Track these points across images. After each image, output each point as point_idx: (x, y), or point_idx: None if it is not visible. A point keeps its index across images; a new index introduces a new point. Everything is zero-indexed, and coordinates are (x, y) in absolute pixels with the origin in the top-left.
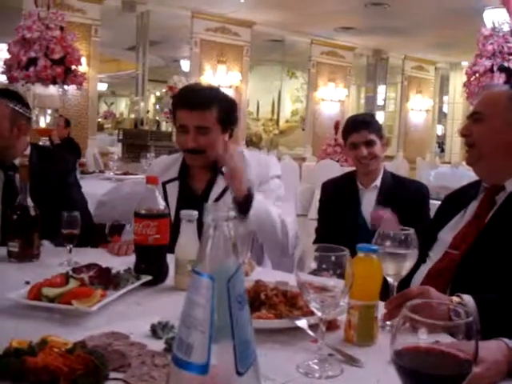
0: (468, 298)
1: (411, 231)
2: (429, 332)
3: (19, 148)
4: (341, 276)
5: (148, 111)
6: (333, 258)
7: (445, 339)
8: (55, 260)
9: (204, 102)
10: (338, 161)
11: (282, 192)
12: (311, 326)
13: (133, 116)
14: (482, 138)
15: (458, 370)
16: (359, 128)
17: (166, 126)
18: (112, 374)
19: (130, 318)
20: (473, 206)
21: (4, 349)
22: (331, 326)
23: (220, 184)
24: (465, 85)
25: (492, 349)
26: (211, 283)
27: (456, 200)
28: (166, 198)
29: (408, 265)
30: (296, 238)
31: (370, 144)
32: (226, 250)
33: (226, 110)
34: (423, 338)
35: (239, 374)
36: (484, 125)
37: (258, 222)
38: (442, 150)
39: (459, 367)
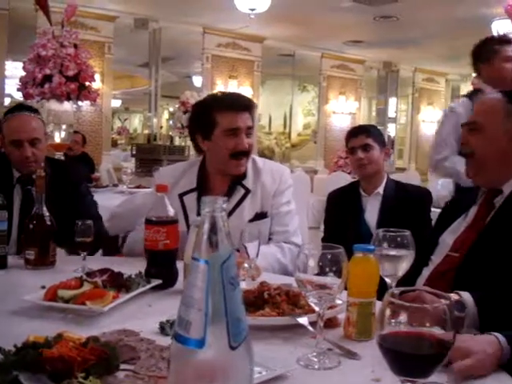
0: (466, 295)
1: (407, 233)
2: (411, 317)
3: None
4: (337, 272)
5: (161, 127)
6: (329, 256)
7: None
8: (70, 267)
9: (250, 103)
10: (349, 173)
11: (293, 204)
12: (312, 324)
13: (146, 132)
14: (481, 148)
15: (437, 350)
16: (357, 133)
17: (180, 141)
18: (122, 366)
19: (141, 317)
20: (473, 210)
21: (22, 343)
22: (332, 323)
23: (238, 193)
24: None
25: (483, 342)
26: (207, 267)
27: (456, 205)
28: (184, 210)
29: (404, 266)
30: (312, 253)
31: (366, 148)
32: (221, 238)
33: (254, 114)
34: (405, 322)
35: (232, 348)
36: (482, 135)
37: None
38: None
39: (437, 347)
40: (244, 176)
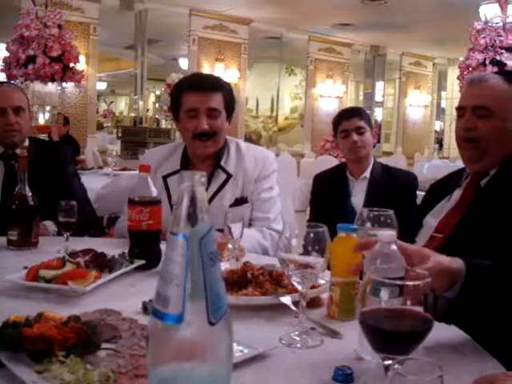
0: None
1: (391, 212)
2: (392, 293)
3: (28, 133)
4: (320, 251)
5: (147, 110)
6: (312, 235)
7: None
8: (53, 247)
9: (213, 84)
10: (336, 156)
11: (277, 190)
12: (295, 303)
13: (132, 115)
14: (490, 135)
15: (418, 327)
16: (349, 116)
17: (166, 124)
18: (104, 345)
19: (123, 298)
20: (457, 193)
21: (2, 322)
22: (315, 303)
23: (219, 178)
24: (458, 79)
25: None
26: (185, 242)
27: (440, 188)
28: (168, 192)
29: None
30: (295, 234)
31: (360, 131)
32: (200, 212)
33: (230, 97)
34: (385, 299)
35: (211, 323)
36: (492, 121)
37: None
38: (441, 146)
39: (418, 325)
40: (219, 158)
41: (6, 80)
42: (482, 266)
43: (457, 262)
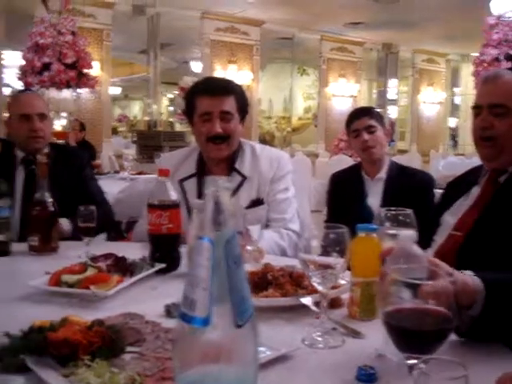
0: (470, 274)
1: (410, 212)
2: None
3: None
4: (340, 252)
5: (161, 113)
6: (332, 236)
7: None
8: (73, 252)
9: (226, 87)
10: (350, 156)
11: (292, 191)
12: (316, 304)
13: (147, 119)
14: (508, 133)
15: (442, 325)
16: (360, 115)
17: (180, 128)
18: (128, 348)
19: (145, 301)
20: (475, 191)
21: (28, 327)
22: (335, 303)
23: (234, 180)
24: (473, 75)
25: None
26: (211, 246)
27: (458, 185)
28: (184, 196)
29: None
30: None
31: (371, 130)
32: (224, 217)
33: (242, 99)
34: (407, 298)
35: (238, 326)
36: (510, 120)
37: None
38: (456, 143)
39: (441, 323)
40: (234, 161)
41: (23, 88)
42: (499, 280)
43: (473, 281)
